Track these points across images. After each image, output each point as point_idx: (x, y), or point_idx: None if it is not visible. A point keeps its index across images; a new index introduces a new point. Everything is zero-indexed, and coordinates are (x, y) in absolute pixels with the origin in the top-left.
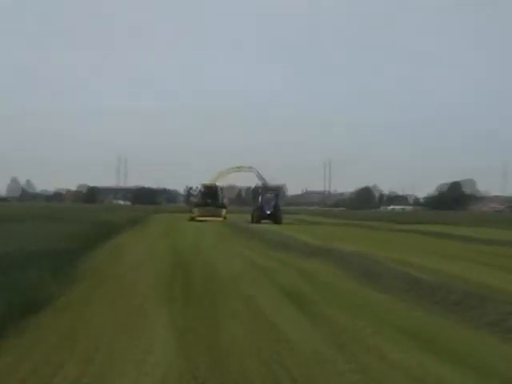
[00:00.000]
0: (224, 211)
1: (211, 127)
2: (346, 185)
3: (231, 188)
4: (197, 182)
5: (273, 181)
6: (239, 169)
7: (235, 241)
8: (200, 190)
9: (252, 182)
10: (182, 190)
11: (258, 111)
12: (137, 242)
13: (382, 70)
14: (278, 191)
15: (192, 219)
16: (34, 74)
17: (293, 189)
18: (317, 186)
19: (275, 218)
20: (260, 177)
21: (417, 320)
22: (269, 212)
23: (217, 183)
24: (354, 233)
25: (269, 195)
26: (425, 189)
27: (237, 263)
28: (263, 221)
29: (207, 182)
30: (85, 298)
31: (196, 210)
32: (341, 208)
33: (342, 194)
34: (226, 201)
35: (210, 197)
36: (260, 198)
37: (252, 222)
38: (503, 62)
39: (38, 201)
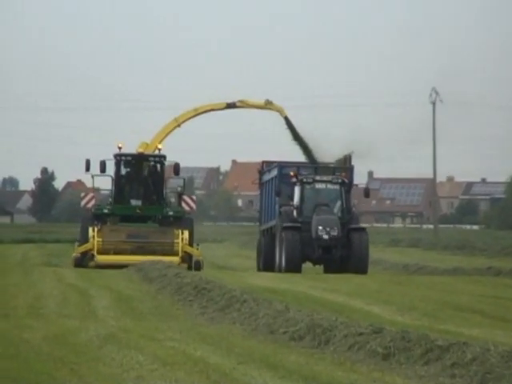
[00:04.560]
0: (183, 236)
1: None
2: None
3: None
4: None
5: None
6: (244, 104)
7: None
8: (117, 173)
9: (266, 155)
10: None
11: None
12: None
13: None
14: (346, 177)
15: (79, 263)
16: None
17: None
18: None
19: (350, 255)
20: (297, 137)
21: None
22: (328, 237)
23: (160, 148)
24: None
25: (325, 186)
26: None
27: None
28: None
29: (141, 146)
30: None
31: (96, 233)
32: (472, 226)
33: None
34: (191, 204)
35: (141, 189)
36: (299, 194)
37: (264, 266)
38: None
39: None
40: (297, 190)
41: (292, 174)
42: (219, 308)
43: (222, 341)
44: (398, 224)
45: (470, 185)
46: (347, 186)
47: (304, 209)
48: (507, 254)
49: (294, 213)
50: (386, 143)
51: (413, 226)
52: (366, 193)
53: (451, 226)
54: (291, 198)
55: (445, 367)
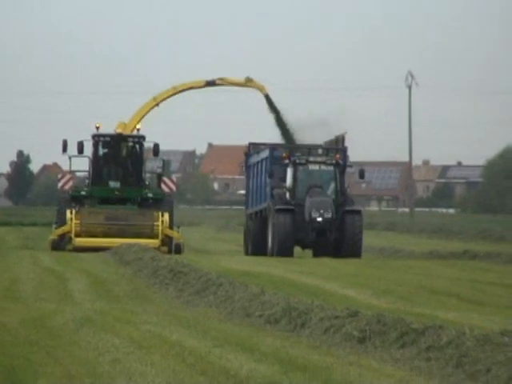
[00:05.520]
0: (163, 218)
1: None
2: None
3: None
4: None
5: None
6: (224, 81)
7: None
8: (95, 154)
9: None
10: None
11: None
12: None
13: None
14: (339, 158)
15: (56, 246)
16: None
17: None
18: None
19: (343, 238)
20: (279, 120)
21: None
22: (322, 219)
23: (139, 128)
24: None
25: (319, 168)
26: None
27: None
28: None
29: (120, 126)
30: None
31: (73, 216)
32: (448, 209)
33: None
34: (171, 186)
35: (119, 170)
36: (291, 176)
37: (252, 250)
38: None
39: None
40: (289, 171)
41: (284, 155)
42: (195, 291)
43: (197, 324)
44: (373, 207)
45: (445, 168)
46: (341, 167)
47: (297, 191)
48: (483, 237)
49: (287, 195)
50: (363, 126)
51: (388, 209)
52: (361, 174)
53: (427, 209)
54: (282, 179)
55: (420, 350)
